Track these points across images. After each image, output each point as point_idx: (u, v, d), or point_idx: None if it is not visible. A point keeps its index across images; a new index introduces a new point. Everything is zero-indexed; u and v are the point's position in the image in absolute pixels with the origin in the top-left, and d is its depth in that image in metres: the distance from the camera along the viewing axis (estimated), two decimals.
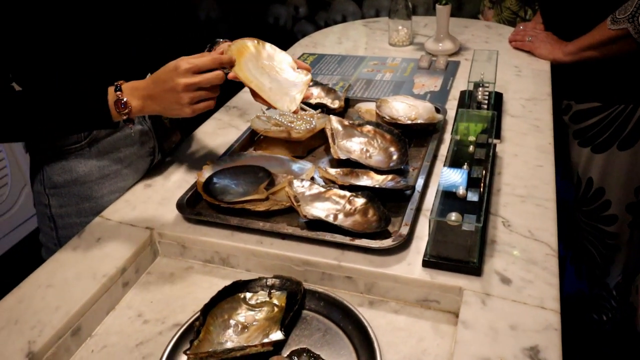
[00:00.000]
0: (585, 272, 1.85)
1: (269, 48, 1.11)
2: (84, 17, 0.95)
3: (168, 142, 1.21)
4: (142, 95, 0.93)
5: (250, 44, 1.08)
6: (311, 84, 1.40)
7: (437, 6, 1.64)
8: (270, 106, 1.04)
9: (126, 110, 0.93)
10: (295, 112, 1.07)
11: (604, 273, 1.79)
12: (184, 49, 1.26)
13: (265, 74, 1.07)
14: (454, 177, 0.94)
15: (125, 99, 0.92)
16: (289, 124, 1.21)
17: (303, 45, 1.91)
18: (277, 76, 1.08)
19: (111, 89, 0.93)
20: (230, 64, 0.98)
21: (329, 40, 1.95)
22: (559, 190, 1.88)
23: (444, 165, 0.95)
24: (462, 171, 0.94)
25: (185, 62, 0.91)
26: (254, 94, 1.03)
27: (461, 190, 0.89)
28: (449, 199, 0.88)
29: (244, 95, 1.53)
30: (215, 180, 1.06)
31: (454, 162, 0.96)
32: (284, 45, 1.93)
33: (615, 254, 1.74)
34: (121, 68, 1.03)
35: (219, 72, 0.93)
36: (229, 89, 1.47)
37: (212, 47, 1.21)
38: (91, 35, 0.96)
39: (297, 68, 1.12)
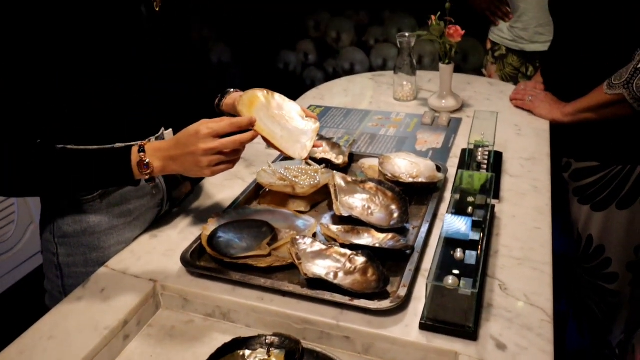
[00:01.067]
0: (587, 329, 1.85)
1: (278, 98, 1.16)
2: (83, 18, 0.96)
3: (178, 193, 1.24)
4: (164, 157, 0.98)
5: (260, 94, 1.13)
6: (317, 137, 1.44)
7: (441, 65, 1.69)
8: (282, 153, 1.08)
9: (148, 171, 0.98)
10: (305, 159, 1.12)
11: (606, 331, 1.79)
12: (197, 93, 1.32)
13: (276, 123, 1.11)
14: (458, 225, 0.98)
15: (147, 160, 0.97)
16: (293, 179, 1.24)
17: (310, 97, 1.96)
18: (287, 125, 1.13)
19: (134, 149, 0.98)
20: (250, 126, 1.02)
21: (336, 93, 2.00)
22: (560, 246, 1.90)
23: (444, 223, 0.97)
24: (466, 219, 0.98)
25: (205, 127, 0.96)
26: (267, 141, 1.07)
27: (459, 253, 0.91)
28: (447, 261, 0.90)
29: (252, 146, 1.55)
30: (219, 234, 1.08)
31: None
32: (293, 90, 1.99)
33: (617, 312, 1.74)
34: (121, 68, 1.05)
35: (235, 139, 0.98)
36: None
37: (224, 97, 1.25)
38: (91, 35, 0.98)
39: (305, 117, 1.17)
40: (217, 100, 1.27)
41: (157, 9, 1.09)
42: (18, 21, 0.89)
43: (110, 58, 1.02)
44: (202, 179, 1.39)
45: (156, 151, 0.99)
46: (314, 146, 1.14)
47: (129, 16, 1.03)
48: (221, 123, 0.98)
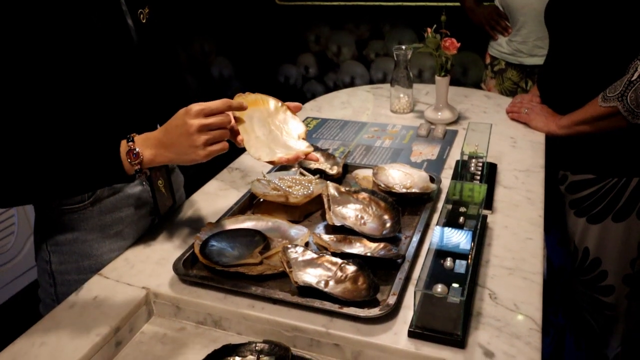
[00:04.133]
0: (584, 343, 1.84)
1: (289, 115, 1.13)
2: (70, 29, 0.96)
3: (162, 207, 1.24)
4: (154, 145, 0.97)
5: (272, 102, 1.12)
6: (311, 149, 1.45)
7: (437, 77, 1.70)
8: (245, 148, 1.05)
9: (138, 160, 0.96)
10: (272, 163, 1.05)
11: (602, 344, 1.78)
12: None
13: (266, 128, 1.09)
14: (448, 235, 0.98)
15: (137, 149, 0.96)
16: (287, 189, 1.25)
17: (308, 109, 1.97)
18: (277, 135, 1.10)
19: (123, 142, 0.98)
20: (241, 109, 1.01)
21: (334, 105, 2.01)
22: (558, 258, 1.89)
23: (434, 232, 0.98)
24: (457, 230, 0.98)
25: (197, 105, 0.95)
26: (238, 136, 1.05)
27: (449, 262, 0.92)
28: (436, 269, 0.91)
29: (247, 158, 1.58)
30: (212, 242, 1.09)
31: None
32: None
33: (614, 325, 1.73)
34: (111, 77, 1.05)
35: (228, 114, 0.97)
36: (233, 150, 1.53)
37: None
38: (78, 45, 0.98)
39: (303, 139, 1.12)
40: None
41: (144, 21, 1.11)
42: (10, 29, 0.91)
43: (99, 67, 1.03)
44: (197, 189, 1.40)
45: (145, 140, 0.98)
46: (291, 161, 1.07)
47: (116, 28, 1.05)
48: (213, 102, 0.96)
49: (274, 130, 1.11)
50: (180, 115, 0.96)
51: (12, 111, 0.94)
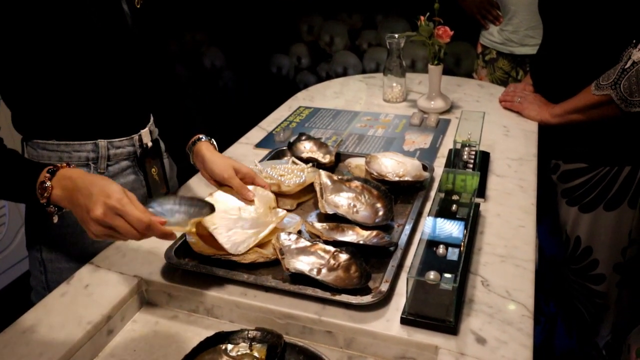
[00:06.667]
0: (575, 331, 1.85)
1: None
2: (67, 14, 0.96)
3: (156, 195, 1.23)
4: (67, 187, 0.88)
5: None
6: (304, 138, 1.45)
7: (430, 66, 1.70)
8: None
9: (45, 194, 0.88)
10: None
11: (593, 332, 1.80)
12: (191, 93, 1.32)
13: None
14: (440, 225, 0.98)
15: (48, 184, 0.88)
16: (279, 178, 1.24)
17: (300, 99, 1.96)
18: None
19: (45, 170, 0.90)
20: (167, 238, 0.89)
21: (326, 95, 2.00)
22: (550, 248, 1.90)
23: (427, 220, 0.98)
24: (448, 220, 0.98)
25: (117, 200, 0.82)
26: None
27: (441, 250, 0.92)
28: (429, 256, 0.91)
29: (239, 146, 1.58)
30: (153, 204, 1.05)
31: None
32: (285, 95, 1.99)
33: (604, 313, 1.75)
34: (109, 62, 1.04)
35: (136, 234, 0.84)
36: (224, 140, 1.52)
37: (194, 145, 1.21)
38: (75, 31, 0.97)
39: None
40: (188, 146, 1.22)
41: (138, 6, 1.10)
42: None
43: (95, 51, 1.02)
44: (188, 179, 1.39)
45: (64, 179, 0.89)
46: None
47: (112, 13, 1.04)
48: (134, 211, 0.82)
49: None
50: (101, 189, 0.83)
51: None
